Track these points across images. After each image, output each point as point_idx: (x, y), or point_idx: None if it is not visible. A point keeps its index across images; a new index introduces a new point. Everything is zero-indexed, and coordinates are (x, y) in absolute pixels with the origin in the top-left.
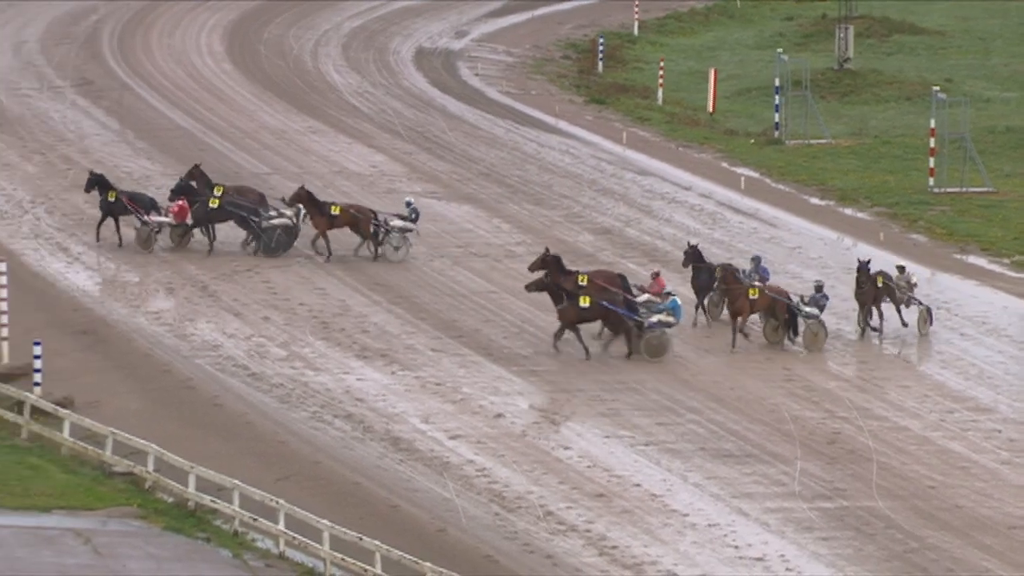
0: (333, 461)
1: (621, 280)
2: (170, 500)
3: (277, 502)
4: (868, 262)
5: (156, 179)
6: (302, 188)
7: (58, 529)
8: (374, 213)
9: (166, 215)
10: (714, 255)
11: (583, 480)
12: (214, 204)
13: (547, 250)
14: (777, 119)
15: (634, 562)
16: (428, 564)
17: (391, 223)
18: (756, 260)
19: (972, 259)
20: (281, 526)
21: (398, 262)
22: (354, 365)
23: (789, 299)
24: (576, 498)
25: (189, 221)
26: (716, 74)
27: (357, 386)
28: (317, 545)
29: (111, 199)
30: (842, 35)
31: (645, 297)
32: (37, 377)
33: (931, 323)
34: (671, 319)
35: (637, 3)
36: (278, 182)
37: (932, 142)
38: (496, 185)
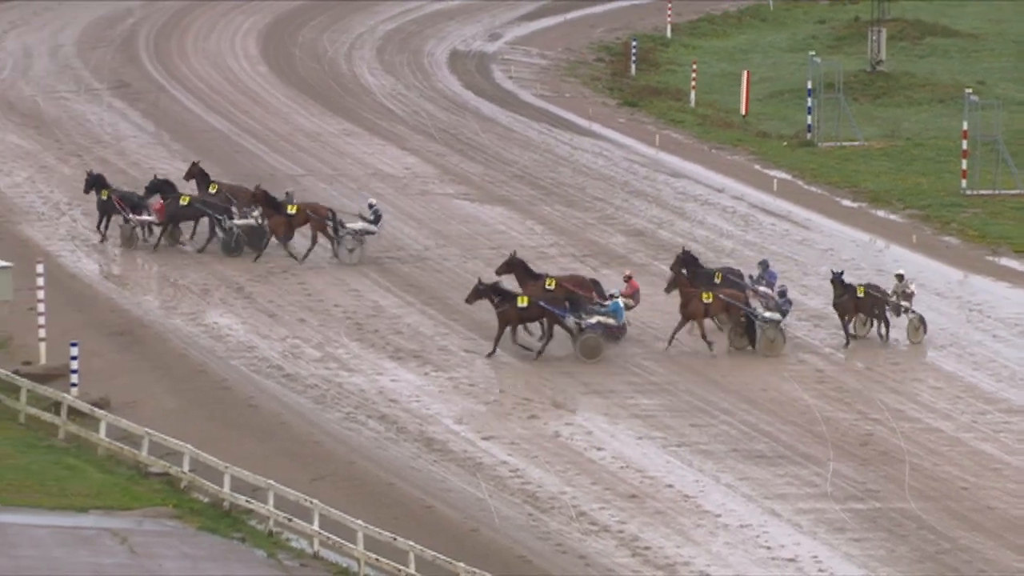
0: (367, 462)
1: (595, 285)
2: (205, 500)
3: (311, 502)
4: (842, 273)
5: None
6: (258, 188)
7: (95, 529)
8: (332, 213)
9: (150, 213)
10: (747, 257)
11: (616, 481)
12: (184, 202)
13: (513, 253)
14: (810, 121)
15: (667, 563)
16: (462, 564)
17: (346, 224)
18: (764, 264)
19: (1005, 261)
20: (315, 526)
21: (351, 264)
22: (388, 366)
23: (747, 304)
24: (609, 499)
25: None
26: (749, 76)
27: (391, 387)
28: (351, 545)
29: (104, 198)
30: (875, 38)
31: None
32: (74, 378)
33: (925, 332)
34: (611, 320)
35: (670, 6)
36: (312, 184)
37: (965, 144)
38: (529, 187)
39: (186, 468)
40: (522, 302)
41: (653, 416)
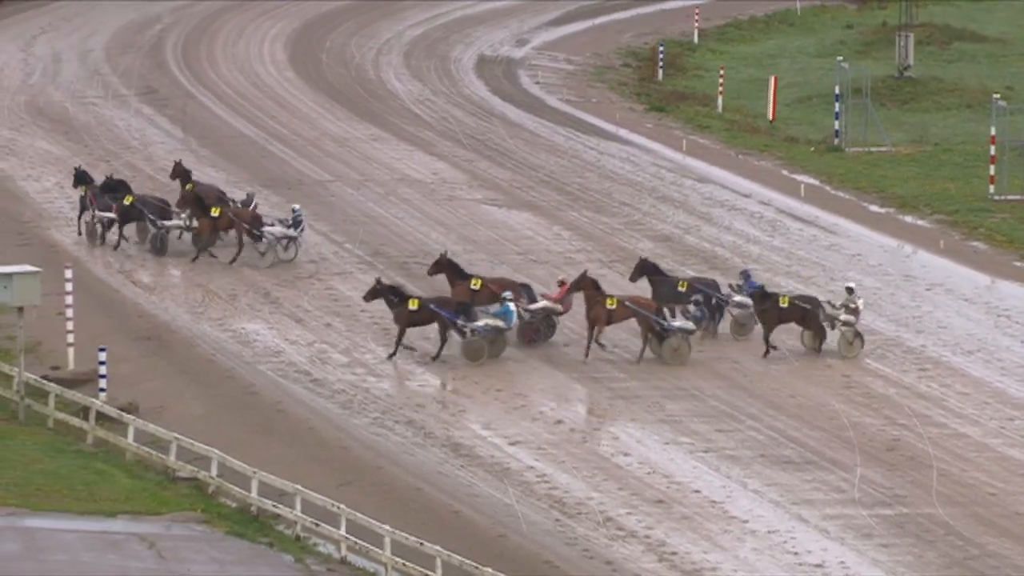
0: (394, 467)
1: (525, 289)
2: (233, 505)
3: (339, 507)
4: (762, 286)
5: (219, 186)
6: (190, 191)
7: (123, 533)
8: (259, 217)
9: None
10: (773, 262)
11: (643, 486)
12: (127, 202)
13: (443, 253)
14: (837, 126)
15: (693, 568)
16: (488, 569)
17: (265, 229)
18: (745, 275)
19: None
20: (343, 531)
21: (265, 268)
22: (415, 371)
23: (658, 312)
24: (636, 504)
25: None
26: (776, 82)
27: (418, 392)
28: (378, 550)
29: (83, 193)
30: (902, 43)
31: (542, 304)
32: (102, 383)
33: (862, 346)
34: (500, 323)
35: (697, 11)
36: (339, 189)
37: (992, 149)
38: (556, 192)
39: (214, 473)
40: (412, 304)
41: (680, 421)
